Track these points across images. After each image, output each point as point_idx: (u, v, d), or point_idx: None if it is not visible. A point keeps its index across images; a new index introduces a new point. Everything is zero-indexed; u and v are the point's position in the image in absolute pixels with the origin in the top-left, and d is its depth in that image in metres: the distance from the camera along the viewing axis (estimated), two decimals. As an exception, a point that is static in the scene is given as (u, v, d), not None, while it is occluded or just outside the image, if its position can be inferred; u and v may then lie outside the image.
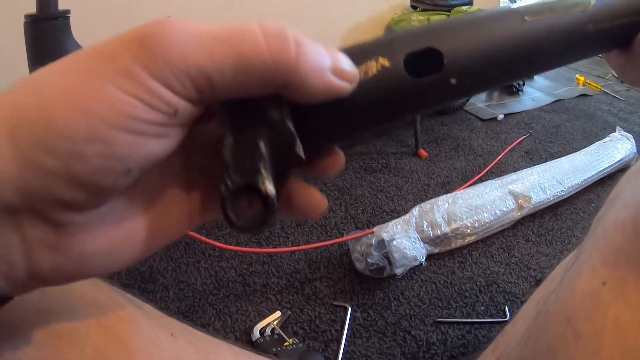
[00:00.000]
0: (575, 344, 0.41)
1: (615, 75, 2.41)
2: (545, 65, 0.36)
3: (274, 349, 0.86)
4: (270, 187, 0.27)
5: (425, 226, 1.09)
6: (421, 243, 1.06)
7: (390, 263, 1.00)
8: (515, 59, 0.34)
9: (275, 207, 0.27)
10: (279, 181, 0.28)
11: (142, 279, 1.03)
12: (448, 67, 0.30)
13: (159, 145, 0.24)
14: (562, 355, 0.42)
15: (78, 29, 1.09)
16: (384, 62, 0.29)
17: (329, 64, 0.26)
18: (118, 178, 0.24)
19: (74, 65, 0.23)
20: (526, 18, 0.33)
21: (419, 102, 0.32)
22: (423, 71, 0.30)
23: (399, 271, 1.00)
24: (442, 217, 1.11)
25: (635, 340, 0.38)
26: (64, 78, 0.23)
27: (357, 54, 0.29)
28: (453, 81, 0.31)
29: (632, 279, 0.39)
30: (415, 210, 1.13)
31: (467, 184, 1.37)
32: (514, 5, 0.35)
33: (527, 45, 0.34)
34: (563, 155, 1.47)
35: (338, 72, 0.27)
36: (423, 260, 1.04)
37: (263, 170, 0.27)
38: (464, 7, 2.26)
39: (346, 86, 0.27)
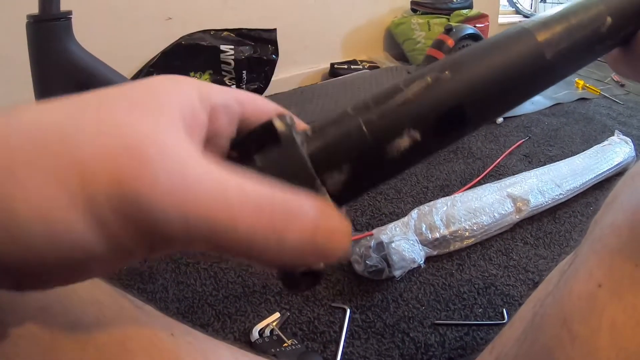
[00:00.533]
0: (571, 345, 0.42)
1: (615, 79, 2.42)
2: (549, 86, 0.36)
3: (272, 350, 0.86)
4: (321, 265, 0.28)
5: (424, 229, 1.09)
6: (420, 245, 1.07)
7: (388, 265, 1.00)
8: (529, 94, 0.34)
9: (325, 272, 0.30)
10: None
11: (142, 280, 1.03)
12: (469, 120, 0.31)
13: (88, 263, 0.22)
14: (558, 356, 0.43)
15: (80, 30, 1.09)
16: (415, 135, 0.29)
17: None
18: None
19: (54, 155, 0.21)
20: (547, 57, 0.33)
21: (436, 151, 0.32)
22: (445, 128, 0.30)
23: (397, 273, 1.01)
24: (441, 220, 1.12)
25: (630, 342, 0.38)
26: (40, 161, 0.21)
27: (388, 127, 0.29)
28: (470, 129, 0.32)
29: (628, 281, 0.40)
30: (414, 213, 1.13)
31: (465, 187, 1.37)
32: (532, 28, 0.34)
33: (545, 80, 0.34)
34: (562, 159, 1.47)
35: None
36: (421, 262, 1.04)
37: None
38: (464, 11, 2.27)
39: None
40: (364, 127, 0.29)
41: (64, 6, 1.06)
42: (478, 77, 0.31)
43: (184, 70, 1.79)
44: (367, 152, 0.29)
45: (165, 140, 0.22)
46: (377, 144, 0.29)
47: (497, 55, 0.32)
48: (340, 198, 0.29)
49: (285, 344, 0.88)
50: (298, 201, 0.24)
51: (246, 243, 0.22)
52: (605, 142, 1.56)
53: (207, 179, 0.22)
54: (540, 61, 0.33)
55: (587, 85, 2.29)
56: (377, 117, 0.29)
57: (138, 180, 0.21)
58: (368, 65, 2.17)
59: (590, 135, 1.80)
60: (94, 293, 0.38)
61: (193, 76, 1.80)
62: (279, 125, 0.28)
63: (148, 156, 0.21)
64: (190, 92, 0.26)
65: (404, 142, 0.29)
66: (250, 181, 0.23)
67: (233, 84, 1.84)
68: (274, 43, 1.90)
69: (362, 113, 0.29)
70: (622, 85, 2.38)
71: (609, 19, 0.35)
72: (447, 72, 0.31)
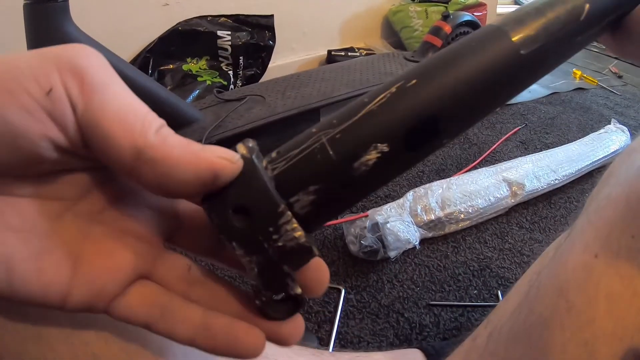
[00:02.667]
0: (567, 314, 0.42)
1: (613, 70, 2.42)
2: (529, 86, 0.34)
3: (267, 329, 0.86)
4: (297, 290, 0.28)
5: (419, 210, 1.09)
6: (415, 227, 1.07)
7: (384, 246, 1.00)
8: (507, 96, 0.32)
9: (305, 300, 0.29)
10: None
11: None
12: (443, 130, 0.30)
13: (25, 120, 0.24)
14: (554, 326, 0.43)
15: (77, 16, 1.09)
16: (383, 149, 0.28)
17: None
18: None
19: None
20: (522, 52, 0.31)
21: (411, 166, 0.31)
22: (417, 140, 0.29)
23: (392, 254, 1.01)
24: (436, 202, 1.12)
25: (627, 311, 0.38)
26: None
27: (352, 143, 0.28)
28: (445, 141, 0.30)
29: (624, 252, 0.40)
30: (410, 195, 1.13)
31: (461, 172, 1.37)
32: (506, 26, 0.31)
33: (523, 81, 0.32)
34: (558, 146, 1.47)
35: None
36: (417, 243, 1.04)
37: (290, 282, 0.28)
38: (460, 0, 2.26)
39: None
40: (327, 146, 0.28)
41: (60, -13, 1.05)
42: (450, 84, 0.29)
43: (181, 56, 1.78)
44: (333, 171, 0.28)
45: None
46: (342, 162, 0.28)
47: (469, 59, 0.30)
48: (310, 220, 0.29)
49: (280, 323, 0.88)
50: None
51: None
52: (602, 130, 1.56)
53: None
54: (517, 62, 0.31)
55: (585, 75, 2.29)
56: (341, 133, 0.28)
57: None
58: (365, 52, 2.16)
59: (587, 124, 1.80)
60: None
61: (190, 62, 1.79)
62: (241, 150, 0.28)
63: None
64: None
65: (371, 157, 0.28)
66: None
67: (230, 70, 1.83)
68: (271, 29, 1.89)
69: (325, 131, 0.28)
70: (620, 77, 2.38)
71: (587, 7, 0.33)
72: (414, 81, 0.29)
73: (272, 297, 0.28)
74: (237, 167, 0.27)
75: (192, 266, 0.31)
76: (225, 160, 0.26)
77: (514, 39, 0.31)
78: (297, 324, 0.30)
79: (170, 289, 0.30)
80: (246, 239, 0.27)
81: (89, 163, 0.27)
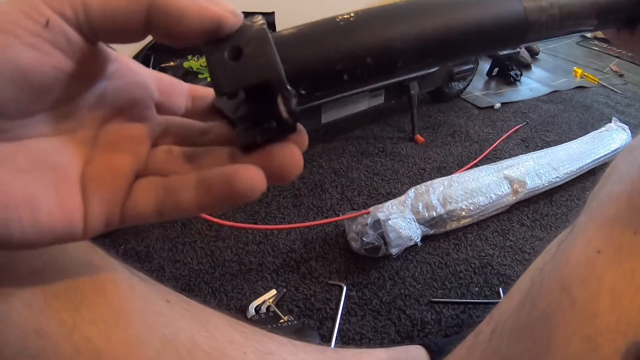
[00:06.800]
0: (570, 309, 0.41)
1: (614, 69, 2.42)
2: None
3: (269, 326, 0.86)
4: (284, 114, 0.30)
5: (420, 207, 1.09)
6: (416, 224, 1.07)
7: (385, 243, 1.00)
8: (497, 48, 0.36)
9: (292, 124, 0.30)
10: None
11: (139, 258, 1.03)
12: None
13: (32, 55, 0.25)
14: (557, 321, 0.43)
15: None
16: None
17: None
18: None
19: None
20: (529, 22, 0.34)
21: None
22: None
23: (394, 251, 1.01)
24: (438, 199, 1.11)
25: (630, 306, 0.38)
26: None
27: None
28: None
29: (627, 247, 0.40)
30: (411, 192, 1.13)
31: (463, 169, 1.37)
32: None
33: (515, 42, 0.35)
34: (559, 144, 1.47)
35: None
36: (418, 240, 1.04)
37: (277, 107, 0.29)
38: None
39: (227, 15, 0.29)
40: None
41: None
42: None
43: (182, 53, 1.78)
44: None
45: None
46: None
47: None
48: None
49: (282, 320, 0.88)
50: None
51: None
52: (603, 129, 1.56)
53: None
54: (520, 26, 0.33)
55: (586, 74, 2.29)
56: None
57: None
58: (366, 50, 2.16)
59: (588, 123, 1.80)
60: (89, 256, 0.38)
61: (191, 59, 1.79)
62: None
63: None
64: None
65: None
66: None
67: (230, 67, 1.83)
68: (272, 26, 1.89)
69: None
70: (621, 75, 2.38)
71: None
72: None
73: (259, 126, 0.30)
74: (238, 20, 0.29)
75: (171, 147, 0.34)
76: (229, 13, 0.28)
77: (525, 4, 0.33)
78: (293, 154, 0.31)
79: (162, 174, 0.32)
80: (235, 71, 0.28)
81: (92, 82, 0.31)
